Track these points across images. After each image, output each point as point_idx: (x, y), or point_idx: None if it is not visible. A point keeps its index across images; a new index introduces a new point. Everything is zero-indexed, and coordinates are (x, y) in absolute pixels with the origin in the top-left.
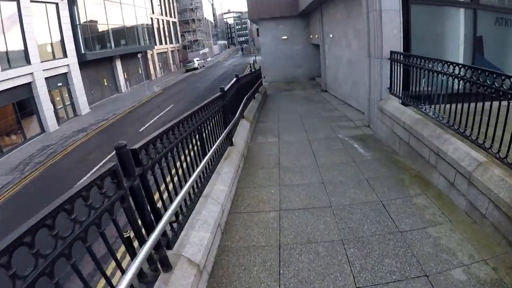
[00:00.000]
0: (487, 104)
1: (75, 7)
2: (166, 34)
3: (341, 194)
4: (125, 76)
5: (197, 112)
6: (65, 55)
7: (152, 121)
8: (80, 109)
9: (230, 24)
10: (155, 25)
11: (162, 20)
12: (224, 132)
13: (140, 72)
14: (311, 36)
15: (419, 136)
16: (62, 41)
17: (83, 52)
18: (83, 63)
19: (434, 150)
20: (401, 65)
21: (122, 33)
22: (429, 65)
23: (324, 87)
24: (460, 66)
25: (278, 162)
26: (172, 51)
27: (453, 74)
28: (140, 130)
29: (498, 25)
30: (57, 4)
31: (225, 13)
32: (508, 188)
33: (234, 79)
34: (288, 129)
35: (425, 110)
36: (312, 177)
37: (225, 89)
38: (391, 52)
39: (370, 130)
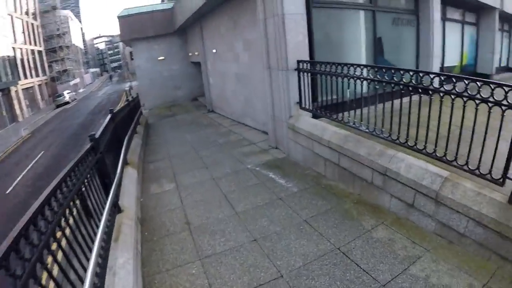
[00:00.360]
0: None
1: None
2: (32, 65)
3: (286, 252)
4: None
5: (50, 199)
6: None
7: (20, 176)
8: None
9: (101, 50)
10: (18, 56)
11: (26, 49)
12: (108, 202)
13: (3, 114)
14: (190, 54)
15: (354, 155)
16: None
17: None
18: None
19: (379, 170)
20: (310, 75)
21: None
22: (345, 71)
23: (210, 107)
24: (376, 68)
25: (185, 220)
26: (39, 85)
27: (369, 77)
28: (7, 192)
29: (395, 25)
30: None
31: (95, 38)
32: (488, 201)
33: (108, 116)
34: (184, 167)
35: (354, 124)
36: (238, 234)
37: (97, 135)
38: (298, 62)
39: (280, 152)
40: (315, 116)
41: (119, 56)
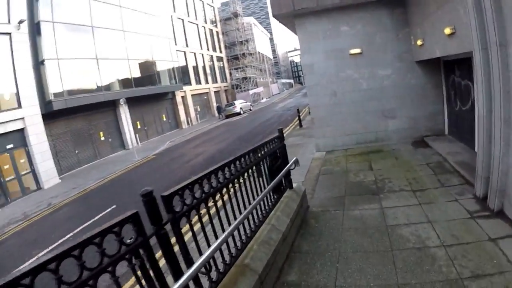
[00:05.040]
0: None
1: (40, 38)
2: (208, 71)
3: None
4: (139, 126)
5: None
6: (19, 104)
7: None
8: (42, 180)
9: (296, 62)
10: (192, 61)
11: (202, 54)
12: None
13: (165, 119)
14: (421, 43)
15: None
16: (16, 85)
17: (50, 99)
18: (59, 113)
19: None
20: None
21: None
22: None
23: (498, 198)
24: None
25: None
26: (216, 92)
27: None
28: None
29: None
30: (10, 34)
31: (290, 51)
32: None
33: None
34: None
35: None
36: None
37: None
38: None
39: None
40: None
41: None
